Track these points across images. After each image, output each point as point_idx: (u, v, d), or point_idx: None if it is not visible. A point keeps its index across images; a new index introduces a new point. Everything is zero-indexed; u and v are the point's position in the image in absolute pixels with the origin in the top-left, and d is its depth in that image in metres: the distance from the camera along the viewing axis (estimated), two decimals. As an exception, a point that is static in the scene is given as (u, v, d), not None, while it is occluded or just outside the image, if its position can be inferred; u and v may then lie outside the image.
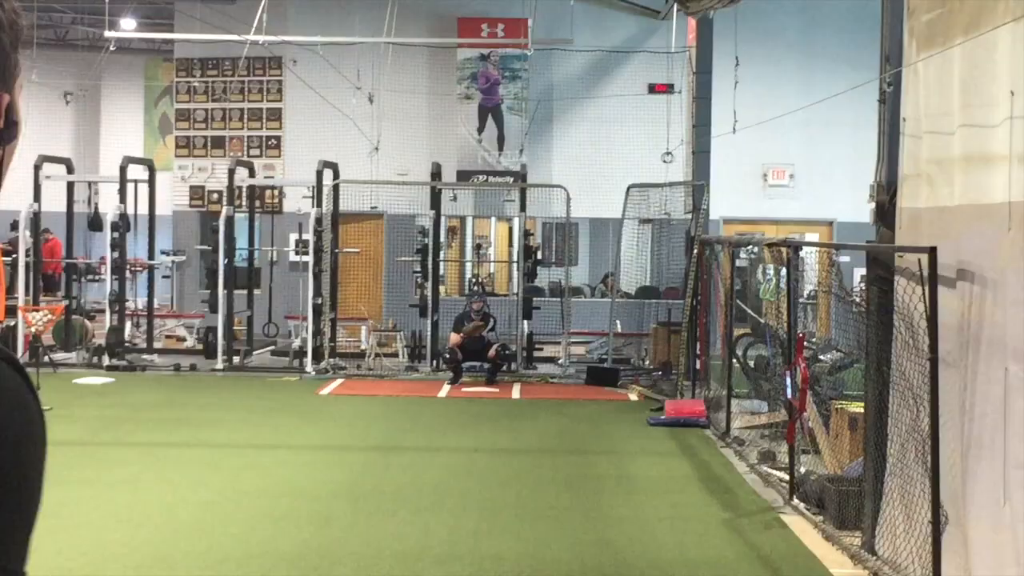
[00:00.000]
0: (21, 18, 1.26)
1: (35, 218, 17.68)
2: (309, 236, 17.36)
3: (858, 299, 8.80)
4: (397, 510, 8.82)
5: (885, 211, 8.00)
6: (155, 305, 19.48)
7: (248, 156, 21.26)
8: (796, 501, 9.15)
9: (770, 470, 10.34)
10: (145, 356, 17.94)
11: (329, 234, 17.61)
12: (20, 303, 16.86)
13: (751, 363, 14.20)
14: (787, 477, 9.52)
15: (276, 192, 21.52)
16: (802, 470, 9.51)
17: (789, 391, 9.21)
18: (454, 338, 16.35)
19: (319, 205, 17.53)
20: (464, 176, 20.94)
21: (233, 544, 7.81)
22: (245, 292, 18.65)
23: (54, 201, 18.21)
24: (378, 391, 15.42)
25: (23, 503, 1.14)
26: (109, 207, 18.09)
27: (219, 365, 17.11)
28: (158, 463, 10.45)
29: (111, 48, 20.57)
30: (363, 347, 18.65)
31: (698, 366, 14.96)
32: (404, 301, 19.05)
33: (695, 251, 15.18)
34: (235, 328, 18.12)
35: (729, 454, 11.41)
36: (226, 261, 17.40)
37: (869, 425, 7.94)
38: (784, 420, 10.12)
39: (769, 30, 20.85)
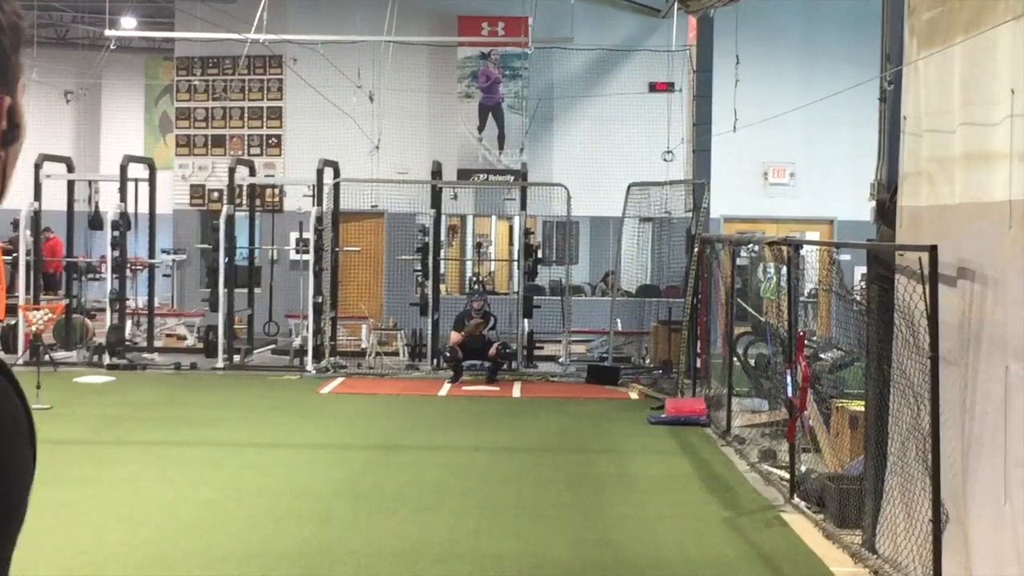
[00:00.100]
0: (22, 20, 1.26)
1: (36, 217, 17.68)
2: (310, 235, 17.36)
3: (859, 297, 8.80)
4: (398, 509, 8.82)
5: (886, 209, 8.00)
6: (156, 304, 19.48)
7: (248, 155, 21.26)
8: (797, 499, 9.15)
9: (771, 468, 10.34)
10: (146, 355, 17.94)
11: (330, 233, 17.61)
12: (21, 302, 16.87)
13: (752, 361, 14.20)
14: (788, 475, 9.52)
15: (276, 191, 21.52)
16: (803, 468, 9.51)
17: (790, 389, 9.21)
18: (455, 337, 16.35)
19: (319, 204, 17.53)
20: (465, 175, 20.94)
21: (234, 543, 7.82)
22: (246, 291, 18.64)
23: (55, 200, 18.21)
24: (379, 390, 15.42)
25: (5, 499, 1.14)
26: (109, 206, 18.10)
27: (220, 364, 17.11)
28: (159, 462, 10.45)
29: (111, 47, 20.56)
30: (364, 346, 18.65)
31: (699, 364, 14.96)
32: (404, 300, 19.04)
33: (696, 249, 15.18)
34: (236, 327, 18.12)
35: (730, 452, 11.41)
36: (226, 260, 17.40)
37: (870, 423, 7.94)
38: (785, 418, 10.12)
39: (770, 28, 20.84)
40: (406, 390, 15.46)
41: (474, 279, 20.88)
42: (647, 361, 17.71)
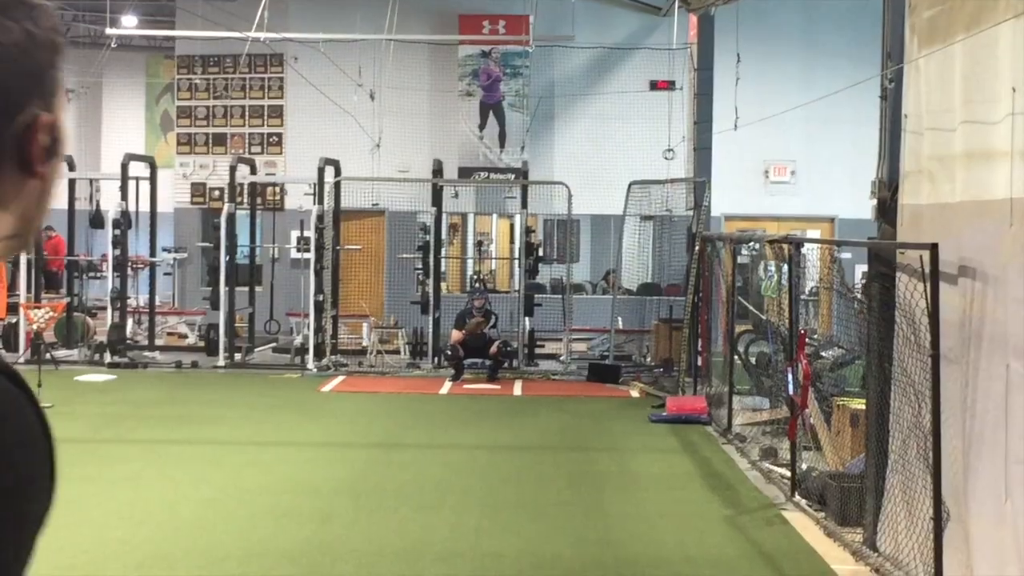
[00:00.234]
0: (59, 36, 1.27)
1: (37, 215, 17.65)
2: (310, 233, 17.36)
3: (859, 295, 8.80)
4: (399, 507, 8.83)
5: (887, 207, 8.00)
6: (157, 302, 19.49)
7: (249, 153, 21.26)
8: (798, 498, 9.16)
9: (772, 467, 10.34)
10: (147, 353, 17.95)
11: (330, 231, 17.61)
12: (22, 300, 16.88)
13: (753, 360, 14.20)
14: (789, 474, 9.52)
15: (277, 189, 21.52)
16: (804, 467, 9.51)
17: (791, 387, 9.21)
18: (455, 335, 16.35)
19: (320, 202, 17.53)
20: (465, 173, 20.93)
21: (234, 541, 7.82)
22: (247, 289, 18.65)
23: (56, 198, 18.17)
24: (380, 388, 15.42)
25: (16, 514, 1.12)
26: (111, 204, 18.10)
27: (221, 362, 17.12)
28: (159, 460, 10.46)
29: (112, 45, 20.56)
30: (364, 344, 18.65)
31: (700, 363, 14.96)
32: (405, 298, 19.04)
33: (696, 248, 15.18)
34: (237, 325, 18.13)
35: (731, 451, 11.41)
36: (227, 258, 17.40)
37: (871, 421, 7.94)
38: (786, 417, 10.12)
39: (770, 27, 20.84)
40: (407, 388, 15.46)
41: (475, 277, 20.88)
42: (648, 359, 17.70)
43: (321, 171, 17.74)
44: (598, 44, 21.41)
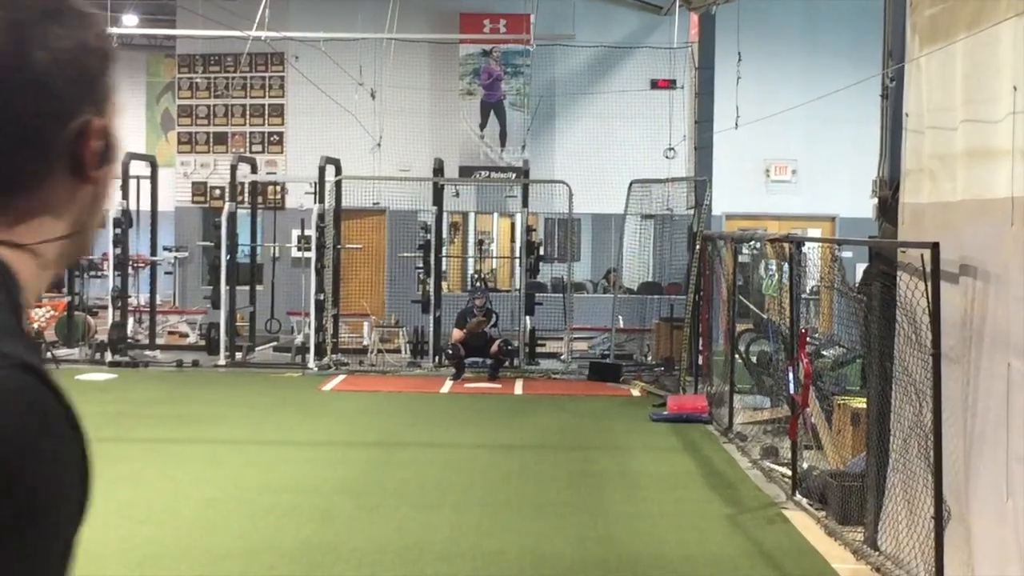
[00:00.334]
0: (108, 41, 1.31)
1: (37, 214, 17.66)
2: (311, 232, 17.36)
3: (857, 294, 8.79)
4: (399, 506, 8.83)
5: (888, 207, 7.99)
6: (157, 301, 19.49)
7: (250, 152, 21.26)
8: (799, 497, 9.16)
9: (772, 466, 10.34)
10: (147, 352, 17.96)
11: (331, 230, 17.61)
12: (23, 299, 16.85)
13: (754, 359, 14.20)
14: (790, 473, 9.52)
15: (278, 188, 21.52)
16: (805, 465, 9.51)
17: (792, 386, 9.21)
18: (456, 334, 16.35)
19: (321, 201, 17.53)
20: (466, 172, 20.94)
21: (235, 540, 7.82)
22: (247, 288, 18.65)
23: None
24: (380, 387, 15.42)
25: (36, 518, 1.08)
26: (111, 203, 18.08)
27: (221, 361, 17.12)
28: (160, 459, 10.46)
29: (113, 44, 20.56)
30: (365, 343, 18.66)
31: (700, 362, 14.96)
32: (406, 297, 19.04)
33: (697, 247, 15.18)
34: (237, 324, 18.13)
35: (731, 450, 11.41)
36: (228, 257, 17.40)
37: (872, 420, 7.94)
38: (786, 416, 10.12)
39: (771, 26, 20.84)
40: (408, 387, 15.46)
41: (476, 276, 20.88)
42: (649, 358, 17.71)
43: (322, 170, 17.74)
44: (599, 43, 21.41)
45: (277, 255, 20.08)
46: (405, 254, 19.04)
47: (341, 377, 16.18)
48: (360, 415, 13.23)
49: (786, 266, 10.49)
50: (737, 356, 13.33)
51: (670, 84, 20.88)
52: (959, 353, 6.45)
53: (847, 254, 15.19)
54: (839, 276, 10.21)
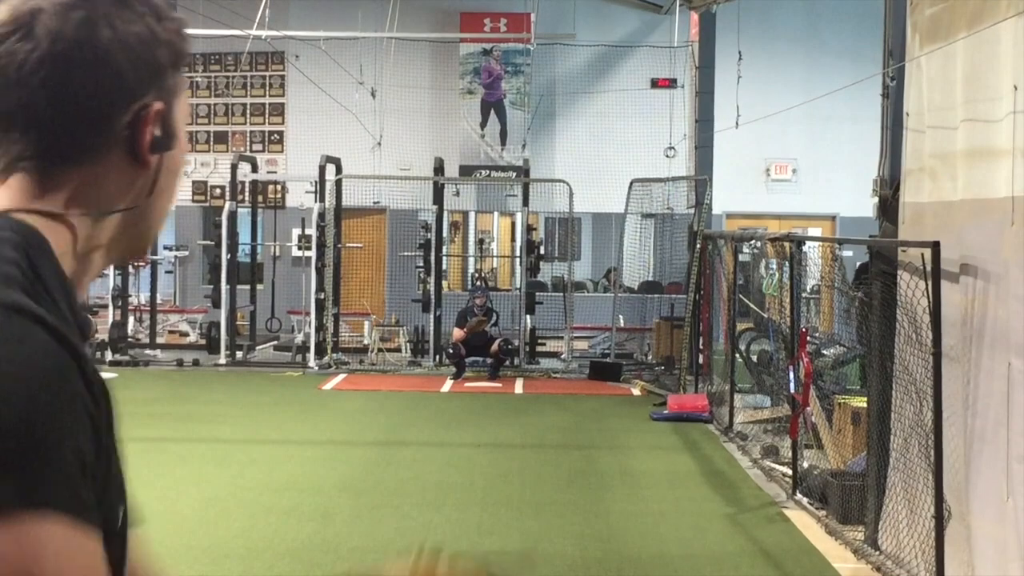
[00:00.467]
0: (182, 39, 1.35)
1: (38, 213, 17.66)
2: (312, 231, 17.37)
3: (854, 292, 8.80)
4: (400, 505, 8.83)
5: (888, 206, 7.99)
6: (158, 300, 19.48)
7: (251, 151, 21.26)
8: (799, 496, 9.16)
9: (773, 465, 10.34)
10: (148, 351, 17.96)
11: (332, 229, 17.61)
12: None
13: (754, 358, 14.20)
14: (790, 472, 9.52)
15: (279, 187, 21.53)
16: (805, 465, 9.51)
17: (792, 385, 9.20)
18: (457, 333, 16.36)
19: (322, 200, 17.53)
20: (467, 171, 20.94)
21: (236, 539, 7.82)
22: (248, 287, 18.66)
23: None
24: (381, 386, 15.43)
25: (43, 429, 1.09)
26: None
27: (222, 360, 17.12)
28: (160, 458, 10.46)
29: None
30: (366, 342, 18.66)
31: (701, 361, 14.96)
32: (407, 296, 19.05)
33: (698, 246, 15.18)
34: (238, 323, 18.13)
35: (732, 449, 11.41)
36: (229, 256, 17.40)
37: (872, 419, 7.94)
38: (787, 415, 10.12)
39: (772, 25, 20.83)
40: (408, 386, 15.47)
41: (476, 275, 20.88)
42: (649, 357, 17.71)
43: (322, 169, 17.74)
44: (599, 42, 21.41)
45: (277, 254, 20.08)
46: (405, 253, 19.05)
47: (341, 376, 16.18)
48: (360, 414, 13.23)
49: (786, 265, 10.49)
50: (737, 355, 13.33)
51: (671, 83, 20.88)
52: (959, 352, 6.45)
53: (847, 253, 15.20)
54: (839, 275, 10.22)
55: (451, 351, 16.44)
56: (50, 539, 1.06)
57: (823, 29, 21.26)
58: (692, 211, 16.59)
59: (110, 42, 1.25)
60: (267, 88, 21.94)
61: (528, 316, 17.62)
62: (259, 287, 19.26)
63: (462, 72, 21.44)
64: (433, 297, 17.52)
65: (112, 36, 1.25)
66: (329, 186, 17.85)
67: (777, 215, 21.05)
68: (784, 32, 21.24)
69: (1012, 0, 6.00)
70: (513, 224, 22.09)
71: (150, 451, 10.78)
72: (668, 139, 20.16)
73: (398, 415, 13.16)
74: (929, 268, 6.49)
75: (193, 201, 22.24)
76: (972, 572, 6.23)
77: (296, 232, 19.78)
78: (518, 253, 18.86)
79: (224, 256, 17.32)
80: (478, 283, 19.75)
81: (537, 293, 18.17)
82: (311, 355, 16.87)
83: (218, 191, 21.79)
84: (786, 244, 10.48)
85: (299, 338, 17.67)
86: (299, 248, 19.48)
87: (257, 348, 18.36)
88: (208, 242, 19.68)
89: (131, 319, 18.62)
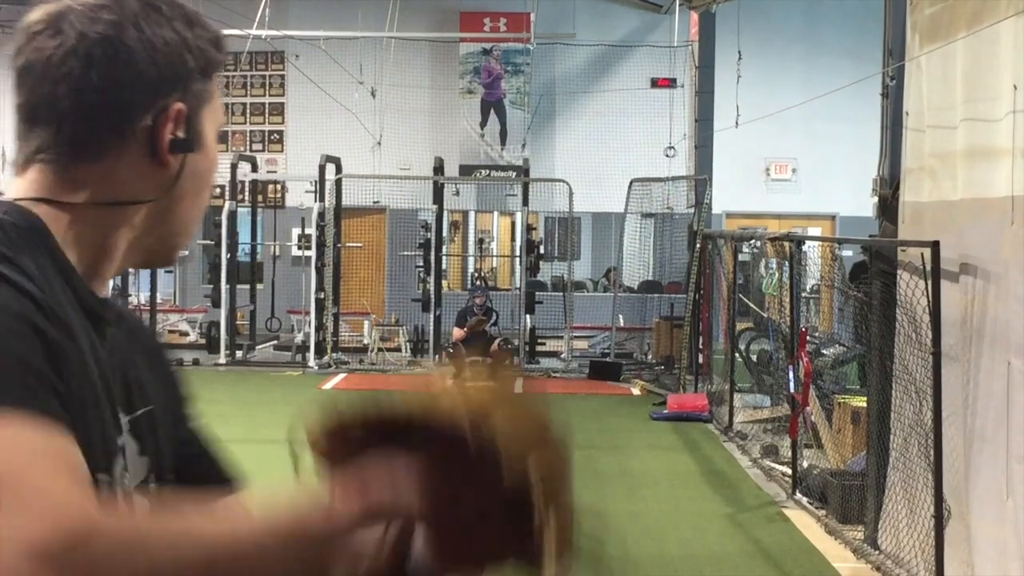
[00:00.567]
0: (215, 47, 1.41)
1: (38, 213, 17.66)
2: (312, 231, 17.36)
3: (851, 290, 8.80)
4: (400, 504, 8.82)
5: (888, 205, 8.00)
6: (158, 300, 19.47)
7: (250, 151, 21.26)
8: (799, 495, 9.16)
9: (773, 464, 10.34)
10: (148, 351, 17.93)
11: (331, 229, 17.61)
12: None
13: (754, 357, 14.20)
14: (790, 471, 9.52)
15: (279, 186, 21.52)
16: (805, 464, 9.51)
17: (792, 385, 9.21)
18: (457, 333, 16.36)
19: (321, 200, 17.53)
20: (466, 170, 20.94)
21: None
22: (248, 287, 18.66)
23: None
24: (381, 385, 15.42)
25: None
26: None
27: (222, 360, 17.12)
28: (161, 458, 10.46)
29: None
30: (366, 342, 18.66)
31: (700, 360, 14.96)
32: (406, 295, 19.04)
33: (697, 245, 15.18)
34: (238, 323, 18.13)
35: (732, 448, 11.40)
36: (229, 256, 17.40)
37: (872, 419, 7.94)
38: (787, 414, 10.12)
39: (772, 24, 20.83)
40: (408, 386, 15.44)
41: (476, 275, 20.89)
42: (649, 357, 17.71)
43: (322, 168, 17.74)
44: (599, 41, 21.41)
45: (277, 253, 20.08)
46: (405, 253, 19.05)
47: (342, 376, 16.18)
48: (360, 414, 13.21)
49: (786, 265, 10.49)
50: (737, 355, 13.33)
51: (670, 83, 20.87)
52: (959, 352, 6.45)
53: (847, 253, 15.20)
54: (839, 275, 10.23)
55: (451, 351, 16.44)
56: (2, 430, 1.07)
57: (823, 29, 21.26)
58: (692, 211, 16.59)
59: (134, 43, 1.30)
60: (267, 88, 21.94)
61: (528, 316, 17.62)
62: (259, 287, 19.26)
63: (462, 72, 21.44)
64: (433, 297, 17.52)
65: (137, 37, 1.30)
66: (329, 186, 17.85)
67: (777, 215, 21.05)
68: (784, 32, 21.24)
69: (1012, 0, 6.00)
70: (513, 224, 22.10)
71: (150, 451, 10.78)
72: (668, 139, 20.17)
73: (398, 415, 13.15)
74: (929, 268, 6.49)
75: (193, 201, 22.23)
76: (972, 572, 6.23)
77: (296, 232, 19.78)
78: (518, 253, 18.86)
79: (224, 255, 17.32)
80: (478, 283, 19.76)
81: (537, 293, 18.17)
82: (311, 354, 16.87)
83: (218, 190, 21.73)
84: (786, 244, 10.48)
85: (299, 338, 17.67)
86: (299, 248, 19.48)
87: (257, 348, 18.36)
88: (208, 241, 19.66)
89: (131, 319, 18.59)
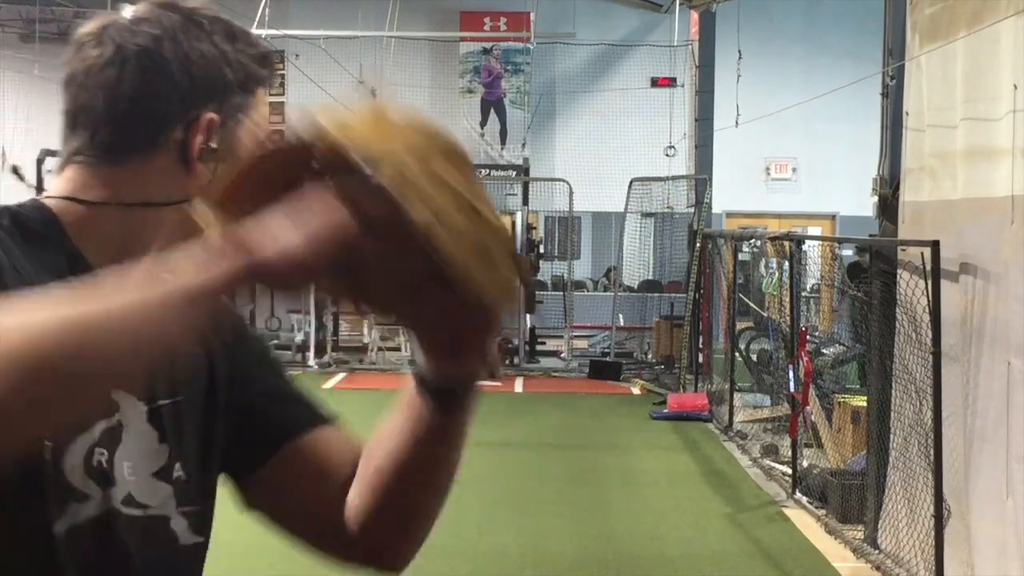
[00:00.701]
0: (258, 63, 1.49)
1: (38, 212, 17.66)
2: (311, 230, 17.34)
3: (849, 289, 8.80)
4: (400, 504, 8.82)
5: (888, 205, 8.00)
6: (158, 299, 19.47)
7: (250, 150, 21.25)
8: (799, 495, 9.16)
9: (773, 464, 10.34)
10: (148, 350, 17.94)
11: (332, 228, 17.58)
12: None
13: (754, 357, 14.20)
14: (790, 471, 9.52)
15: (278, 186, 21.50)
16: (805, 464, 9.51)
17: (792, 385, 9.21)
18: (457, 332, 16.35)
19: (321, 199, 17.51)
20: (466, 170, 20.91)
21: (235, 537, 7.80)
22: (247, 286, 18.63)
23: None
24: (381, 385, 15.41)
25: None
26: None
27: (222, 359, 17.10)
28: (161, 457, 10.46)
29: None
30: (365, 341, 18.65)
31: (700, 360, 14.96)
32: (407, 295, 19.00)
33: (698, 245, 15.18)
34: (238, 322, 18.11)
35: (732, 448, 11.40)
36: (229, 255, 17.37)
37: (872, 419, 7.95)
38: (787, 414, 10.13)
39: (772, 24, 20.83)
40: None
41: (476, 274, 20.85)
42: (649, 356, 17.70)
43: (322, 168, 17.71)
44: (599, 41, 21.41)
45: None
46: (405, 252, 19.00)
47: (342, 375, 16.18)
48: (361, 413, 13.14)
49: (786, 264, 10.49)
50: (737, 354, 13.33)
51: (670, 82, 20.86)
52: (959, 351, 6.45)
53: (847, 252, 15.20)
54: (839, 274, 10.23)
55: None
56: None
57: (823, 28, 21.27)
58: (692, 210, 16.59)
59: (171, 55, 1.38)
60: (267, 87, 21.92)
61: (528, 315, 17.62)
62: (259, 286, 19.22)
63: (462, 71, 21.44)
64: (433, 296, 17.49)
65: (174, 50, 1.38)
66: (329, 185, 17.81)
67: (777, 214, 21.05)
68: (784, 31, 21.24)
69: (1012, 0, 6.00)
70: (513, 223, 22.07)
71: (150, 450, 10.79)
72: (668, 138, 20.15)
73: (398, 414, 13.15)
74: (929, 267, 6.49)
75: (193, 200, 22.24)
76: (971, 571, 6.23)
77: (296, 231, 19.76)
78: (518, 252, 18.85)
79: (224, 255, 17.29)
80: (478, 282, 19.72)
81: (537, 292, 18.16)
82: (311, 354, 16.87)
83: (218, 190, 21.78)
84: (786, 243, 10.48)
85: (299, 337, 17.67)
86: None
87: (257, 347, 18.34)
88: (208, 241, 19.68)
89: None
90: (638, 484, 9.76)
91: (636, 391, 15.26)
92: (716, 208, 17.52)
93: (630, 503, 9.08)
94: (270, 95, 1.55)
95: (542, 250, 18.42)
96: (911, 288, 6.95)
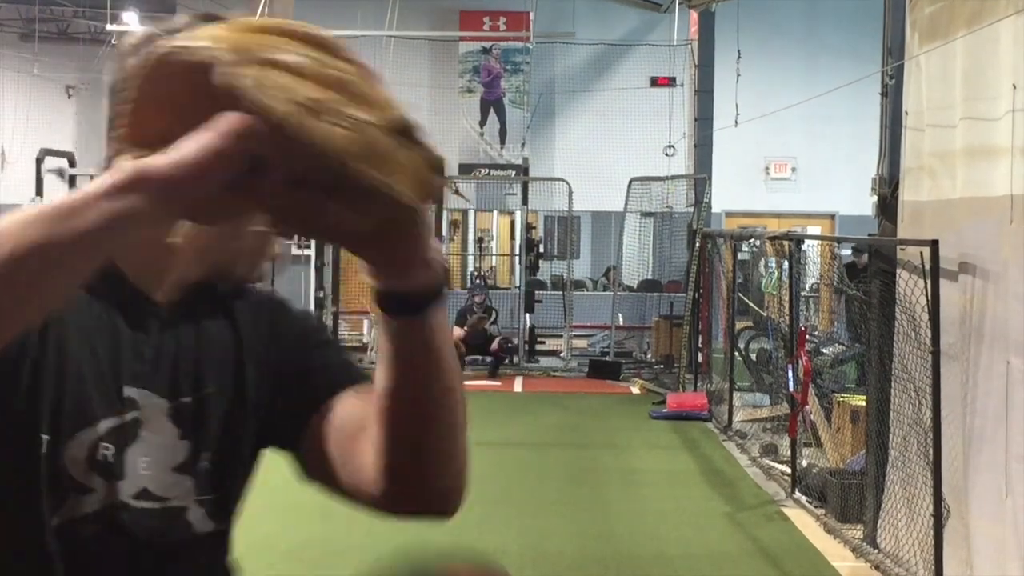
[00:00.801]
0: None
1: (37, 212, 17.65)
2: (311, 230, 17.34)
3: (849, 289, 8.81)
4: (399, 503, 8.82)
5: (887, 204, 8.00)
6: (157, 299, 19.47)
7: (250, 150, 21.23)
8: (798, 494, 9.16)
9: (772, 463, 10.34)
10: (147, 350, 17.94)
11: (331, 228, 17.58)
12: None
13: (753, 356, 14.20)
14: (789, 470, 9.52)
15: (278, 186, 21.50)
16: (804, 463, 9.52)
17: (791, 384, 9.21)
18: (457, 332, 16.34)
19: (321, 199, 17.51)
20: (466, 169, 20.93)
21: (236, 537, 7.81)
22: (247, 286, 18.64)
23: (56, 195, 18.17)
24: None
25: None
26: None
27: (221, 359, 17.10)
28: (161, 457, 10.46)
29: (113, 41, 20.56)
30: (366, 341, 18.66)
31: (700, 359, 14.96)
32: (406, 295, 19.00)
33: (697, 244, 15.18)
34: (237, 322, 18.12)
35: (731, 447, 11.41)
36: (228, 255, 17.39)
37: (871, 418, 7.95)
38: (786, 413, 10.13)
39: (771, 23, 20.84)
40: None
41: (475, 274, 20.89)
42: (649, 356, 17.71)
43: (322, 168, 17.72)
44: (599, 40, 21.41)
45: (277, 252, 20.08)
46: (405, 252, 19.00)
47: (341, 375, 16.15)
48: (360, 413, 13.22)
49: (786, 264, 10.49)
50: (737, 354, 13.33)
51: (670, 81, 20.87)
52: (958, 351, 6.45)
53: (846, 252, 15.20)
54: (838, 274, 10.23)
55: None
56: None
57: (823, 28, 21.28)
58: (691, 209, 16.59)
59: None
60: (266, 87, 21.91)
61: (527, 314, 17.62)
62: (258, 286, 19.23)
63: (461, 70, 21.45)
64: (432, 296, 17.49)
65: None
66: (328, 185, 17.82)
67: (776, 213, 21.06)
68: (784, 31, 21.25)
69: (1011, -1, 6.01)
70: (512, 222, 22.10)
71: (149, 449, 10.79)
72: (667, 137, 20.16)
73: (397, 413, 13.15)
74: (928, 266, 6.50)
75: (192, 200, 22.22)
76: (971, 571, 6.23)
77: (295, 231, 19.77)
78: (517, 251, 18.86)
79: (223, 255, 17.30)
80: (477, 281, 19.75)
81: (536, 291, 18.18)
82: (310, 354, 16.85)
83: (217, 190, 21.77)
84: (785, 243, 10.48)
85: (298, 337, 17.66)
86: (298, 247, 19.46)
87: (256, 347, 18.34)
88: (207, 241, 19.70)
89: (130, 318, 18.60)
90: (638, 484, 9.77)
91: (635, 391, 15.27)
92: (715, 208, 17.53)
93: (630, 503, 9.08)
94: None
95: (542, 249, 18.42)
96: (910, 287, 6.95)
